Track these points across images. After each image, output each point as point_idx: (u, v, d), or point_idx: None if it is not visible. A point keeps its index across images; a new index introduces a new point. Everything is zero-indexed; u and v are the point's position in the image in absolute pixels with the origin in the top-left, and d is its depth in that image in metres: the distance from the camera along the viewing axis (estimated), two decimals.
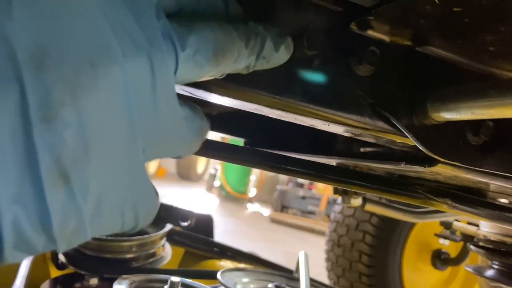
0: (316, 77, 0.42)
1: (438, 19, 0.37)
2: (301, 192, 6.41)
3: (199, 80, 0.31)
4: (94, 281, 0.90)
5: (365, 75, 0.42)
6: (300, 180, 7.28)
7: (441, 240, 1.65)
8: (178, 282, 0.70)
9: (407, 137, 0.45)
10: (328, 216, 5.58)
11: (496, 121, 0.45)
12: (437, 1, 0.34)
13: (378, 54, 0.42)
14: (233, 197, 7.14)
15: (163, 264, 1.02)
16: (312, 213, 6.13)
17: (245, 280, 0.99)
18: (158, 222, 1.10)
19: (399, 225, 1.75)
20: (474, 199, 0.49)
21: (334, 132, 0.48)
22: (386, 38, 0.43)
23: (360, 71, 0.42)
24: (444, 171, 0.50)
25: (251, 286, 0.99)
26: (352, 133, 0.48)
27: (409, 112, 0.43)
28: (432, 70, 0.44)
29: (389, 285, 1.76)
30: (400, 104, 0.44)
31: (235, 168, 7.11)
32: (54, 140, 0.19)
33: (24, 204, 0.18)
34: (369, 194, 1.13)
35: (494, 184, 0.51)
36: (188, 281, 0.77)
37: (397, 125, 0.43)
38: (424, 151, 0.44)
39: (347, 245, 1.80)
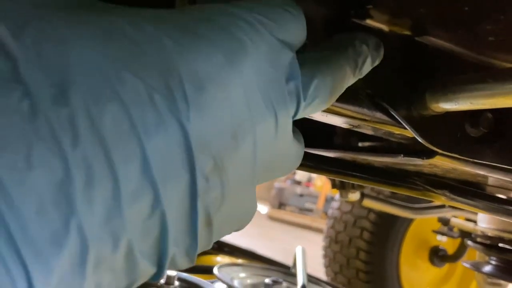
0: None
1: (438, 7, 0.37)
2: (298, 190, 6.42)
3: None
4: None
5: None
6: (298, 178, 7.28)
7: (439, 237, 1.65)
8: (174, 276, 0.70)
9: (405, 128, 0.44)
10: (326, 213, 5.59)
11: (495, 113, 0.45)
12: None
13: None
14: None
15: None
16: (309, 210, 6.14)
17: (242, 275, 0.99)
18: None
19: (397, 221, 1.75)
20: (472, 191, 0.49)
21: (333, 123, 0.48)
22: (385, 27, 0.42)
23: None
24: (442, 163, 0.49)
25: (248, 281, 0.98)
26: (350, 125, 0.48)
27: (408, 103, 0.43)
28: (431, 61, 0.44)
29: (387, 281, 1.76)
30: (398, 95, 0.43)
31: None
32: (208, 200, 0.24)
33: (181, 246, 0.24)
34: (367, 190, 1.13)
35: (493, 177, 0.51)
36: (184, 275, 0.76)
37: (396, 116, 0.43)
38: (423, 143, 0.44)
39: (345, 241, 1.80)
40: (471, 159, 0.44)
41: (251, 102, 0.25)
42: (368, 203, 1.05)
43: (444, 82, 0.40)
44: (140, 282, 0.23)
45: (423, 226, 1.84)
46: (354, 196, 0.78)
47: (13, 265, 0.16)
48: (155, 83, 0.21)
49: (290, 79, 0.28)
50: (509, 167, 0.45)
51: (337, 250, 1.83)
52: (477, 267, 1.00)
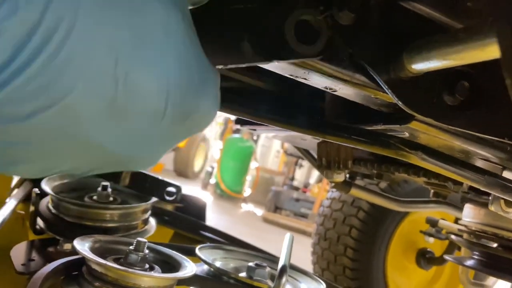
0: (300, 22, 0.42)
1: None
2: (295, 194, 6.41)
3: None
4: (68, 246, 0.87)
5: (346, 23, 0.43)
6: (295, 183, 7.28)
7: (426, 238, 1.65)
8: (145, 243, 0.68)
9: (383, 91, 0.45)
10: None
11: (471, 82, 0.46)
12: None
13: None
14: (228, 196, 7.13)
15: (146, 237, 1.01)
16: (304, 216, 6.13)
17: (225, 257, 0.97)
18: (143, 193, 1.09)
19: (386, 220, 1.75)
20: (445, 154, 0.49)
21: (313, 84, 0.49)
22: None
23: (341, 19, 0.42)
24: (419, 133, 0.50)
25: (231, 264, 0.96)
26: (330, 87, 0.49)
27: (386, 64, 0.44)
28: (412, 25, 0.45)
29: (372, 280, 1.76)
30: (378, 56, 0.44)
31: (231, 167, 7.12)
32: None
33: None
34: (357, 180, 1.14)
35: (469, 149, 0.51)
36: (157, 246, 0.76)
37: (375, 77, 0.44)
38: (400, 105, 0.44)
39: (333, 238, 1.81)
40: (446, 125, 0.45)
41: None
42: (356, 192, 1.05)
43: (420, 42, 0.41)
44: None
45: (412, 227, 1.85)
46: (339, 177, 0.78)
47: None
48: None
49: None
50: (482, 135, 0.45)
51: (325, 247, 1.83)
52: (460, 261, 1.01)
